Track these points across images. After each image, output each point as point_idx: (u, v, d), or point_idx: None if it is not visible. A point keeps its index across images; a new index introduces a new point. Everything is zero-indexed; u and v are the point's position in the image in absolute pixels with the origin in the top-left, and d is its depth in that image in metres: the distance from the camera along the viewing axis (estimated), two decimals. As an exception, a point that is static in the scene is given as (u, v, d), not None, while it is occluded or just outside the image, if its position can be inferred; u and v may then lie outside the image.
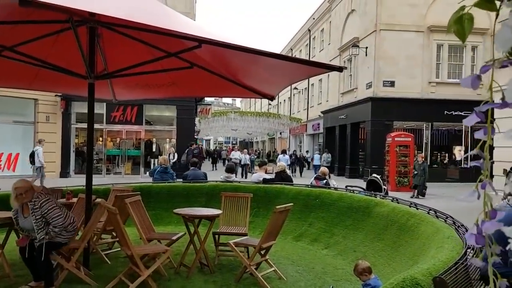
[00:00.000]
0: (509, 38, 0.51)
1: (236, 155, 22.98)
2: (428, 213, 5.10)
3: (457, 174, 21.83)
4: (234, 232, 5.79)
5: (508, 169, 11.40)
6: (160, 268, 4.79)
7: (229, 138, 64.24)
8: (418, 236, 4.71)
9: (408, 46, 20.95)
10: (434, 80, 21.32)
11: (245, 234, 5.67)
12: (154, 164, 18.60)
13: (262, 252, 4.98)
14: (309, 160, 28.99)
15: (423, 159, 15.73)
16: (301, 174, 25.11)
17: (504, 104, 0.74)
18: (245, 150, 26.15)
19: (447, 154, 23.05)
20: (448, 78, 21.44)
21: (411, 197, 13.86)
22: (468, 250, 3.16)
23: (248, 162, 23.30)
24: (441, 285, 2.51)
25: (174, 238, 5.30)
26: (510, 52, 0.73)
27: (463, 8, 0.71)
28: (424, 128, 22.17)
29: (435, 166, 21.83)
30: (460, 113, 20.92)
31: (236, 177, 17.88)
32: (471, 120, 0.74)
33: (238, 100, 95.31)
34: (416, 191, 14.88)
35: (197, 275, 5.05)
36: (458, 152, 22.76)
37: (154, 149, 20.95)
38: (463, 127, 22.04)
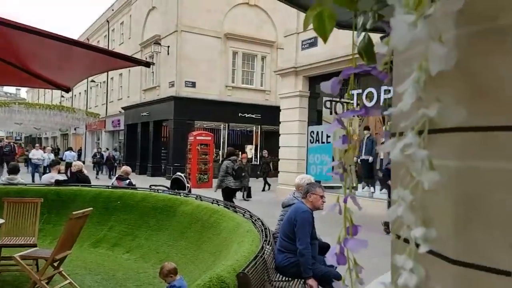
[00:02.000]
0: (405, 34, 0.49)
1: (38, 154, 19.04)
2: (228, 208, 5.41)
3: (248, 170, 24.16)
4: (20, 243, 4.98)
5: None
6: None
7: (12, 132, 55.09)
8: (220, 232, 4.92)
9: (208, 50, 22.03)
10: (230, 84, 23.09)
11: (34, 245, 4.92)
12: None
13: (56, 264, 4.40)
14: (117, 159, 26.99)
15: (247, 159, 15.54)
16: (114, 175, 22.78)
17: (365, 111, 0.74)
18: (49, 148, 22.47)
19: (240, 152, 25.27)
20: (242, 83, 23.56)
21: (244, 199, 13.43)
22: (265, 243, 3.48)
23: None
24: (243, 279, 2.67)
25: None
26: (368, 56, 0.74)
27: (320, 4, 0.68)
28: (222, 128, 23.79)
29: (231, 163, 23.61)
30: (252, 116, 23.33)
31: (32, 180, 15.15)
32: (332, 127, 0.73)
33: (23, 90, 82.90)
34: (245, 193, 14.33)
35: (-34, 302, 4.11)
36: (250, 150, 25.25)
37: None
38: (254, 128, 24.62)
